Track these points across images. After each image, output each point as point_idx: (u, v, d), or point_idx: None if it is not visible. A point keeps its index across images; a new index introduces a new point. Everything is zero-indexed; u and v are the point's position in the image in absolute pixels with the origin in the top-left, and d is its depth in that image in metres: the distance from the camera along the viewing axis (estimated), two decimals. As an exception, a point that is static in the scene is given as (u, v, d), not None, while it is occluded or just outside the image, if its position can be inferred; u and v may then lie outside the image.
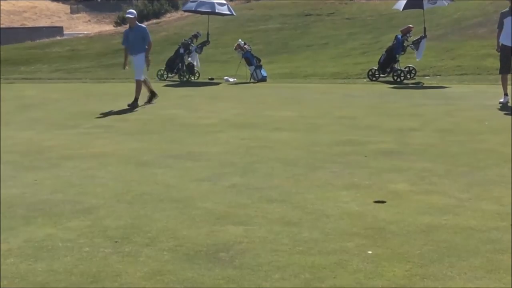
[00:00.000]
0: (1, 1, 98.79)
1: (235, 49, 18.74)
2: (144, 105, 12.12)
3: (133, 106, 11.81)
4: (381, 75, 17.03)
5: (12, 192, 5.83)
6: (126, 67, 12.43)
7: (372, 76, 17.14)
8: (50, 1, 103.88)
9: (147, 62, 12.12)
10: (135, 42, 12.00)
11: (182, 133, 9.07)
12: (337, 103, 12.52)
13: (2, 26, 79.00)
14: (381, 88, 15.23)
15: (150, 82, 12.85)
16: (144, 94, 12.41)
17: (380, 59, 17.10)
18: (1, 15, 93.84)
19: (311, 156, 7.19)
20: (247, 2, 38.63)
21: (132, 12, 12.22)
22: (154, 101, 12.50)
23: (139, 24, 12.46)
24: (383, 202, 5.35)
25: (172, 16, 41.35)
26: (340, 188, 5.79)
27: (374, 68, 17.21)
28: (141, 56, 12.02)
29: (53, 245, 4.38)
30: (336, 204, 5.30)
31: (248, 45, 18.82)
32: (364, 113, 10.83)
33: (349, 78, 18.31)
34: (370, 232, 4.57)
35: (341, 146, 7.73)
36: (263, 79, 18.00)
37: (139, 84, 12.09)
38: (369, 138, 8.29)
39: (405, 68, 16.78)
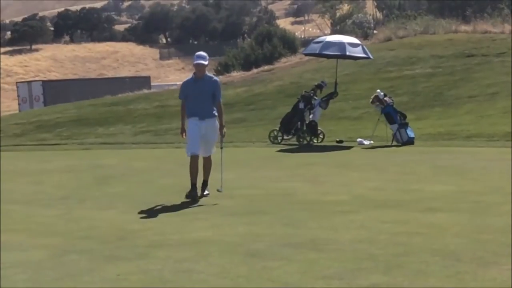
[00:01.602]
0: (74, 45, 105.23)
1: (372, 102, 18.85)
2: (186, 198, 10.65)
3: (201, 192, 10.75)
4: None
5: (89, 289, 6.06)
6: (185, 135, 10.88)
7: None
8: (134, 45, 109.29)
9: (222, 132, 10.83)
10: (204, 100, 10.61)
11: (303, 214, 9.12)
12: (513, 174, 12.18)
13: (75, 77, 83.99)
14: None
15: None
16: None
17: None
18: (75, 63, 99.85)
19: (480, 247, 7.00)
20: (387, 41, 38.89)
21: (204, 57, 10.61)
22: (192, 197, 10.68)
23: (210, 74, 11.02)
24: None
25: (288, 61, 42.35)
26: (522, 292, 5.59)
27: None
28: (214, 122, 10.70)
29: None
30: (517, 315, 5.12)
31: (389, 97, 18.87)
32: (552, 188, 10.45)
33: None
34: None
35: (521, 234, 7.49)
36: (410, 141, 17.90)
37: (209, 160, 10.96)
38: (560, 223, 7.98)
39: None
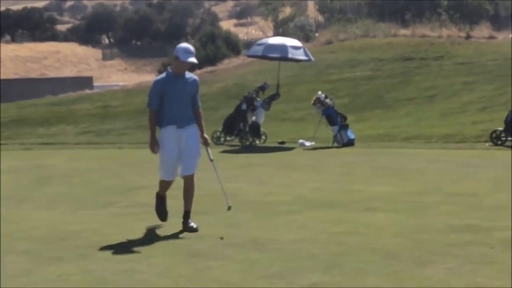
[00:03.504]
0: (16, 45, 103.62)
1: (313, 104, 18.95)
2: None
3: (189, 227, 8.22)
4: (509, 138, 16.84)
5: (29, 290, 5.97)
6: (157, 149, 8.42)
7: (496, 140, 16.99)
8: (77, 45, 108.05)
9: (206, 141, 8.68)
10: (185, 103, 8.34)
11: (244, 214, 9.12)
12: (450, 175, 12.38)
13: (16, 76, 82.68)
14: (509, 156, 14.97)
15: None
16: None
17: (507, 117, 16.93)
18: (16, 62, 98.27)
19: (417, 247, 7.10)
20: (328, 44, 39.19)
21: (194, 53, 8.34)
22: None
23: (189, 73, 8.54)
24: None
25: (231, 62, 42.34)
26: (459, 290, 5.68)
27: (500, 129, 17.06)
28: (195, 130, 8.43)
29: None
30: (453, 312, 5.21)
31: (330, 99, 19.01)
32: (487, 189, 10.66)
33: (466, 142, 18.12)
34: None
35: (457, 233, 7.61)
36: (350, 143, 18.05)
37: (191, 182, 8.48)
38: (495, 222, 8.14)
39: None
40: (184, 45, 8.42)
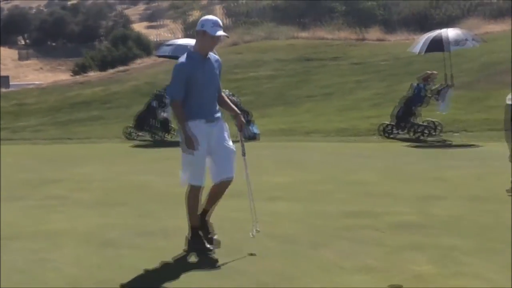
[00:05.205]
0: None
1: (220, 101, 18.98)
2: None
3: (202, 246, 6.55)
4: (397, 131, 17.29)
5: None
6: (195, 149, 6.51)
7: (385, 133, 17.42)
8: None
9: (240, 123, 6.75)
10: (213, 91, 6.52)
11: (154, 205, 9.08)
12: (345, 165, 12.60)
13: None
14: (398, 147, 15.38)
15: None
16: None
17: (396, 112, 17.37)
18: None
19: (313, 231, 7.21)
20: (234, 45, 39.26)
21: (219, 23, 6.53)
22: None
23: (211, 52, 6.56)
24: (401, 287, 5.35)
25: (143, 62, 41.96)
26: (350, 271, 5.80)
27: (387, 122, 17.50)
28: (223, 123, 6.64)
29: None
30: (344, 290, 5.31)
31: (236, 97, 19.08)
32: (377, 177, 10.91)
33: (359, 136, 18.49)
34: (387, 325, 4.58)
35: (350, 219, 7.76)
36: (254, 137, 18.15)
37: (227, 187, 6.80)
38: (384, 208, 8.33)
39: (424, 122, 17.10)
40: (210, 17, 6.57)
